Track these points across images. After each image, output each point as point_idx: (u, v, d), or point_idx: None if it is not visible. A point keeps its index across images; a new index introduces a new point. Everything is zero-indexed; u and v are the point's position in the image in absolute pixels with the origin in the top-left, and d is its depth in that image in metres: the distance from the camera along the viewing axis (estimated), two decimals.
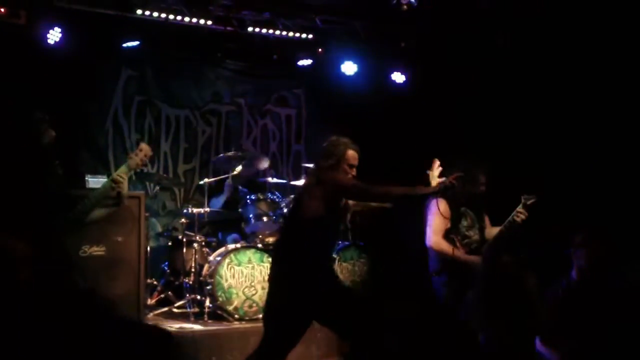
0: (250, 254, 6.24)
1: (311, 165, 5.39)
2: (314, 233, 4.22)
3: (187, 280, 6.50)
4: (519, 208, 4.93)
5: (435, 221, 5.09)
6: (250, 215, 6.53)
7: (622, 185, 5.97)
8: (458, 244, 5.06)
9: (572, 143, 6.40)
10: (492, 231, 5.27)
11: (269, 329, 4.23)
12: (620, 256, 5.23)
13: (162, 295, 6.83)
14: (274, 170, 8.28)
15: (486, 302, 5.01)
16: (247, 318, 6.07)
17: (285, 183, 7.56)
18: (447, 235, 5.07)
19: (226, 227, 7.21)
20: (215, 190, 7.26)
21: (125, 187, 3.94)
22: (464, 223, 5.17)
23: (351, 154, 4.38)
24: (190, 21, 7.23)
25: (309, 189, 4.35)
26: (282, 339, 4.20)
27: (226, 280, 6.10)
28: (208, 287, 6.14)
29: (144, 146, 4.09)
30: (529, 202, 4.91)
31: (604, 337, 4.72)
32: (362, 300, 4.67)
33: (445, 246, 5.05)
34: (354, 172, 4.40)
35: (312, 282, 4.18)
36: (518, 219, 4.94)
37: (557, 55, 6.57)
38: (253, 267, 6.20)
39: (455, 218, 5.10)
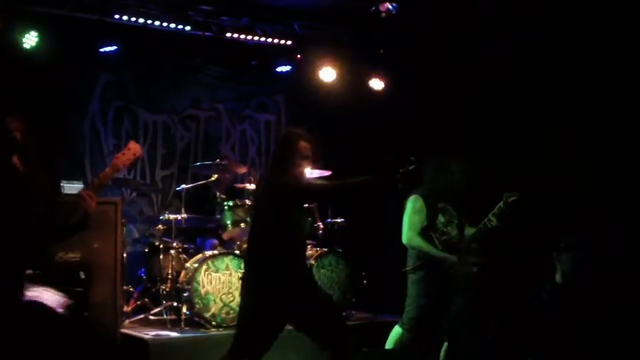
0: (227, 260, 6.21)
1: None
2: (277, 238, 4.24)
3: (164, 287, 6.46)
4: (501, 204, 4.94)
5: (411, 218, 5.11)
6: (228, 222, 6.49)
7: (610, 188, 5.97)
8: (436, 241, 5.06)
9: (558, 145, 6.41)
10: (468, 231, 5.27)
11: (240, 329, 4.33)
12: (605, 261, 5.27)
13: (139, 302, 6.77)
14: (253, 176, 8.24)
15: (472, 311, 5.03)
16: (224, 325, 6.03)
17: None
18: (425, 232, 5.07)
19: (204, 233, 7.18)
20: (193, 196, 7.21)
21: (93, 204, 3.47)
22: (442, 219, 5.15)
23: (303, 145, 4.35)
24: (169, 26, 7.20)
25: (268, 196, 4.36)
26: (250, 338, 4.27)
27: (203, 287, 6.06)
28: (185, 294, 6.09)
29: (132, 145, 3.73)
30: (510, 200, 4.92)
31: (588, 342, 4.74)
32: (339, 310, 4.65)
33: (419, 242, 5.05)
34: (307, 163, 4.37)
35: (278, 283, 4.21)
36: (489, 225, 4.96)
37: (535, 60, 6.60)
38: (231, 274, 6.16)
39: (432, 214, 5.10)
